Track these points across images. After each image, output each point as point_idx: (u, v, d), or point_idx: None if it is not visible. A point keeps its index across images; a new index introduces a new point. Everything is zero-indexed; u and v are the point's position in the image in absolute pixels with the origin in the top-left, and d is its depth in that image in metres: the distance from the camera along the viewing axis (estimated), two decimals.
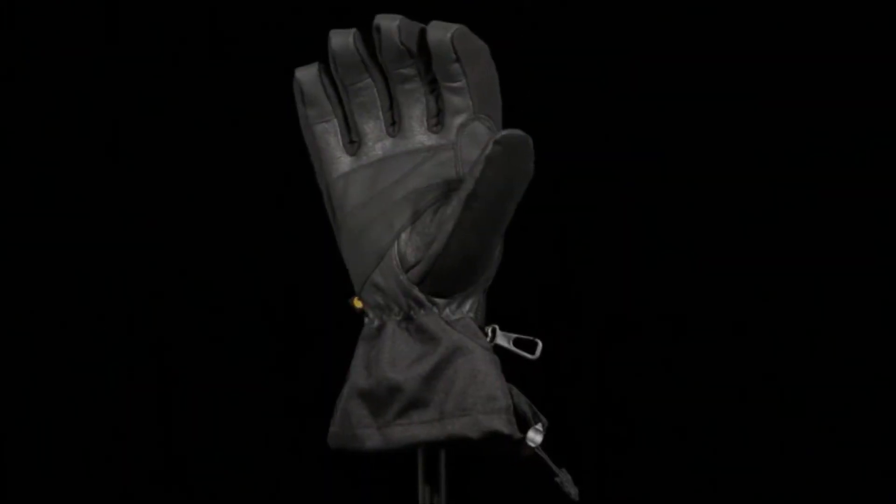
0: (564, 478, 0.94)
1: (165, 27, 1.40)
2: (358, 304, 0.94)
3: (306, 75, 0.95)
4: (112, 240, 1.41)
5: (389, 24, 0.92)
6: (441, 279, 0.92)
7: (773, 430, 1.42)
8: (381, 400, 0.91)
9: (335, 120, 0.95)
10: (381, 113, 0.94)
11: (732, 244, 1.42)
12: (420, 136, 0.94)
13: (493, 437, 0.90)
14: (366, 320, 0.94)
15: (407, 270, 0.92)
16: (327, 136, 0.95)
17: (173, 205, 1.41)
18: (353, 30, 0.93)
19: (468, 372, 0.91)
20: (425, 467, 0.96)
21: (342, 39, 0.93)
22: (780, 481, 1.42)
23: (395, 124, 0.95)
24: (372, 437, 0.91)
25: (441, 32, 0.92)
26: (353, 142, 0.95)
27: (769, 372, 1.42)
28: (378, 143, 0.94)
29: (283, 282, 1.41)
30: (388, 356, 0.91)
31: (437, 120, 0.94)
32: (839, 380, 1.41)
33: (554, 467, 0.93)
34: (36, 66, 1.40)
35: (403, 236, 0.92)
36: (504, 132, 0.90)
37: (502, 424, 0.90)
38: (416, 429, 0.91)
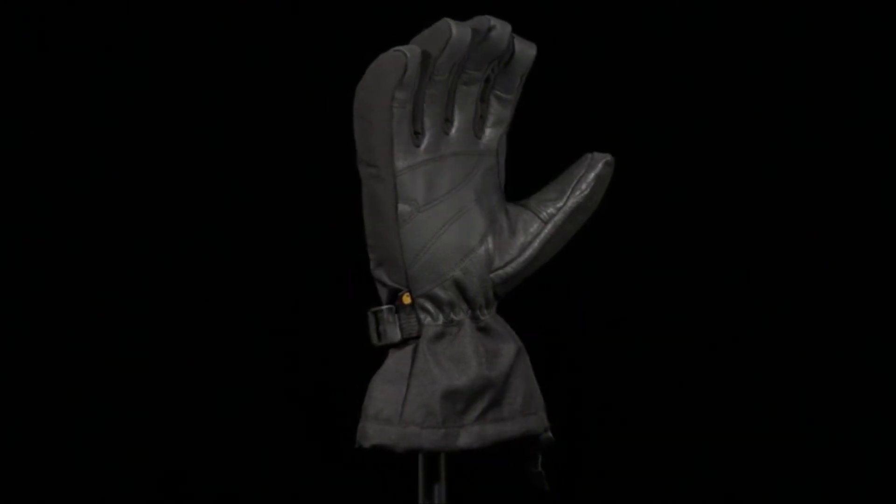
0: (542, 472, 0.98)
1: (166, 26, 1.41)
2: (408, 299, 0.95)
3: (414, 57, 0.93)
4: (112, 239, 1.41)
5: (504, 28, 0.94)
6: (515, 282, 0.96)
7: (772, 429, 1.42)
8: (471, 398, 0.93)
9: (409, 107, 0.95)
10: (439, 109, 0.95)
11: (734, 244, 1.42)
12: (470, 138, 0.96)
13: (545, 432, 0.96)
14: (426, 319, 0.94)
15: (492, 272, 0.94)
16: (403, 122, 0.94)
17: (173, 204, 1.42)
18: (467, 23, 0.94)
19: (528, 371, 0.96)
20: (425, 467, 0.96)
21: (464, 32, 0.94)
22: (775, 480, 1.42)
23: (447, 122, 0.96)
24: (462, 434, 0.93)
25: (529, 48, 0.96)
26: (417, 133, 0.95)
27: (768, 373, 1.43)
28: (438, 139, 0.95)
29: (286, 281, 1.42)
30: (477, 354, 0.93)
31: (480, 126, 0.96)
32: (844, 382, 1.42)
33: (540, 462, 0.98)
34: (35, 64, 1.40)
35: (490, 237, 0.94)
36: (608, 155, 0.97)
37: (546, 420, 0.97)
38: (498, 426, 0.94)
